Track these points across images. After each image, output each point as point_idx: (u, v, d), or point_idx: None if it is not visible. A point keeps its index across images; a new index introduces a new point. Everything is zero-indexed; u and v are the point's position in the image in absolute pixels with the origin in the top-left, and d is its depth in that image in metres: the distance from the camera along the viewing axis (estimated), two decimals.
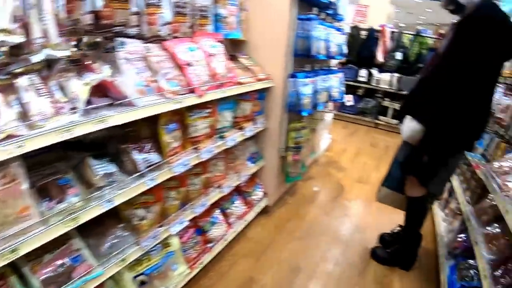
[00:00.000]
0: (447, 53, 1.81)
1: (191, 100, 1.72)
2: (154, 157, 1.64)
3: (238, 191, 2.72)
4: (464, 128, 1.84)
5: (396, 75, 6.13)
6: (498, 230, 1.89)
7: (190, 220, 2.05)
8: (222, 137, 2.15)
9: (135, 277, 1.68)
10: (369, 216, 3.23)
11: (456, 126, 1.82)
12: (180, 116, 1.82)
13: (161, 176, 1.66)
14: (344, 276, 2.40)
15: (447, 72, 1.79)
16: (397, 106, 6.13)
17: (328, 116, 4.42)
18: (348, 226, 3.03)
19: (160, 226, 1.79)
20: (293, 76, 2.52)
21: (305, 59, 2.72)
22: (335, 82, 3.14)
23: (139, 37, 1.60)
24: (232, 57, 2.43)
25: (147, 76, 1.55)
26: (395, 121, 6.17)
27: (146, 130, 1.69)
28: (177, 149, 1.80)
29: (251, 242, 2.65)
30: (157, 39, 1.71)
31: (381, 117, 6.39)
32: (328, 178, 4.01)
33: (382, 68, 6.36)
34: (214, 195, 2.24)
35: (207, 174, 2.17)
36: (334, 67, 3.73)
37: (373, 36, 6.32)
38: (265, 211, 3.00)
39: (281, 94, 2.58)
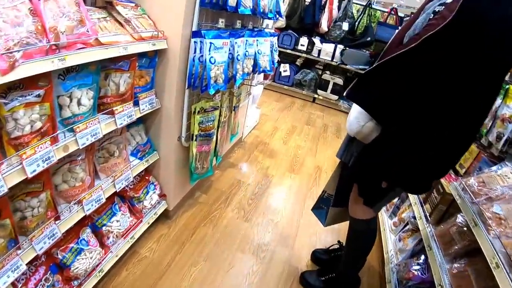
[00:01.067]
0: (437, 39, 1.14)
1: None
2: None
3: (122, 197, 1.93)
4: (447, 146, 1.23)
5: (341, 46, 5.52)
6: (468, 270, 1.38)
7: (34, 260, 1.38)
8: (72, 131, 1.32)
9: None
10: (300, 223, 2.61)
11: (436, 139, 1.22)
12: None
13: None
14: None
15: (438, 66, 1.17)
16: (338, 80, 5.59)
17: (258, 89, 3.62)
18: (273, 236, 2.40)
19: None
20: (198, 34, 1.70)
21: (221, 12, 1.92)
22: (265, 47, 2.36)
23: None
24: (108, 5, 1.55)
25: None
26: (335, 97, 5.67)
27: None
28: None
29: (142, 265, 1.93)
30: None
31: (320, 91, 5.81)
32: (253, 167, 3.32)
33: (325, 38, 5.73)
34: (71, 217, 1.45)
35: (52, 189, 1.37)
36: (267, 28, 2.92)
37: (319, 2, 5.60)
38: (165, 217, 2.27)
39: (180, 60, 1.74)
